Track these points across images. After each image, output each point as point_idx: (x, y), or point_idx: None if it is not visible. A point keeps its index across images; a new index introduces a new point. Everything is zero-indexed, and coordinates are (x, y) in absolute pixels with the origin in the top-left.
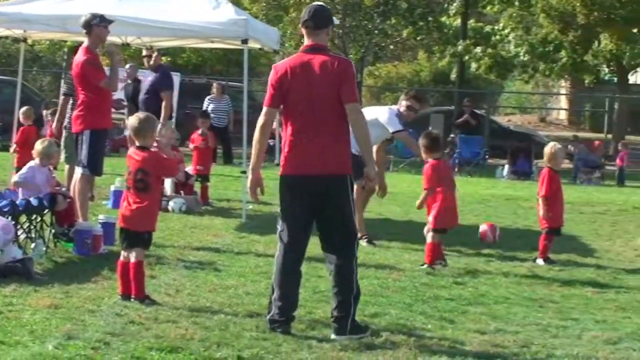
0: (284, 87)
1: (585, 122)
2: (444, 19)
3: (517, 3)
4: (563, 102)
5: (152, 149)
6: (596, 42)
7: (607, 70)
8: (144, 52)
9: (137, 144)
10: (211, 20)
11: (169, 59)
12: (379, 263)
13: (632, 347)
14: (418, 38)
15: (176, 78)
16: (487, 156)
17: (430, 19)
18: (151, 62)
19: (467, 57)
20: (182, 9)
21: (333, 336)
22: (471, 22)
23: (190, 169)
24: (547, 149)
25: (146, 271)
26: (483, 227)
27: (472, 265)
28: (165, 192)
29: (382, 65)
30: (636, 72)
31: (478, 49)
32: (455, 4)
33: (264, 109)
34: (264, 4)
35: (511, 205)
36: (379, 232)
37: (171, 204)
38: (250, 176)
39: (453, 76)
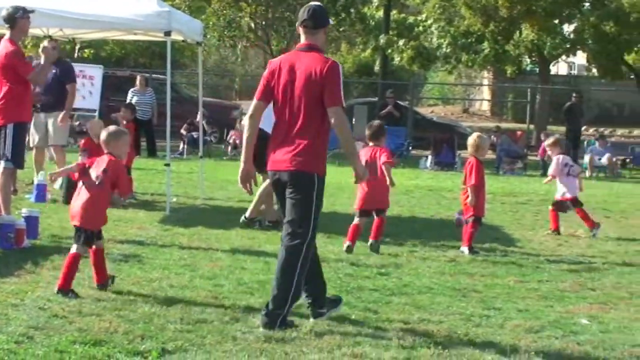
0: (272, 83)
1: (508, 112)
2: (366, 10)
3: None
4: (485, 93)
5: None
6: (517, 33)
7: (528, 61)
8: (46, 43)
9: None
10: (134, 12)
11: (92, 51)
12: None
13: (554, 335)
14: (340, 30)
15: (99, 71)
16: (410, 147)
17: (352, 10)
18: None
19: (390, 50)
20: (103, 2)
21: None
22: (394, 14)
23: None
24: (472, 139)
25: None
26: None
27: (395, 256)
28: None
29: None
30: (557, 62)
31: (401, 42)
32: None
33: (254, 101)
34: None
35: (435, 196)
36: None
37: None
38: (241, 167)
39: (376, 68)
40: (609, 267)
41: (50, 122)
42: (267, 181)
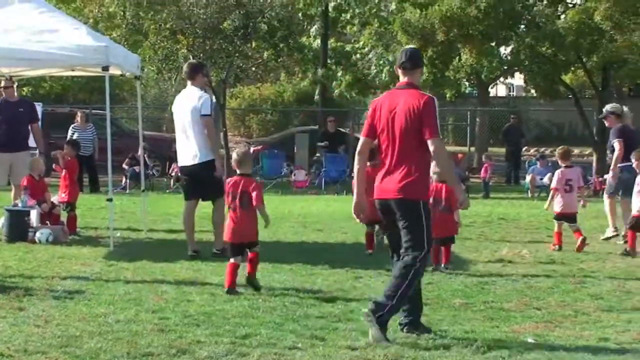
0: (375, 120)
1: (449, 136)
2: (304, 39)
3: (376, 21)
4: None
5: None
6: (457, 57)
7: (467, 84)
8: (3, 83)
9: (239, 172)
10: (71, 48)
11: (30, 89)
12: None
13: (501, 355)
14: (279, 60)
15: (38, 108)
16: (352, 174)
17: (290, 41)
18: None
19: (329, 81)
20: (41, 37)
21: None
22: (331, 42)
23: (56, 198)
24: None
25: (14, 303)
26: None
27: (341, 282)
28: (31, 223)
29: (245, 88)
30: (496, 84)
31: (339, 73)
32: (315, 26)
33: (361, 138)
34: (124, 28)
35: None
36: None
37: (38, 234)
38: (354, 200)
39: (316, 97)
40: (553, 286)
41: (14, 160)
42: (219, 209)
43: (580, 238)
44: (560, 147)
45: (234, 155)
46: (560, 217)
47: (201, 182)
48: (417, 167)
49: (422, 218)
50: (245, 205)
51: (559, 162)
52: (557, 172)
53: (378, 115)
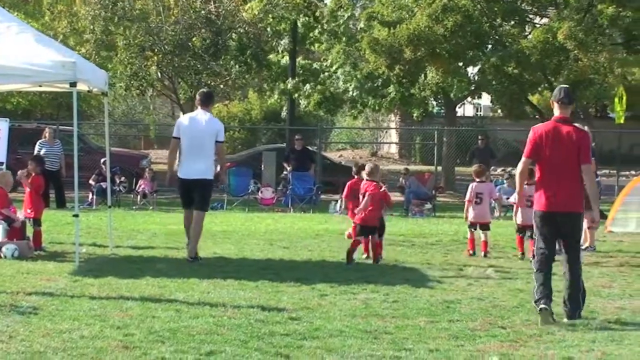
0: (540, 145)
1: (416, 155)
2: (272, 56)
3: (344, 39)
4: (393, 136)
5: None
6: (423, 76)
7: (435, 103)
8: None
9: (367, 179)
10: (39, 63)
11: None
12: (215, 301)
13: None
14: (247, 77)
15: (5, 123)
16: (320, 192)
17: (260, 58)
18: None
19: (296, 95)
20: (8, 52)
21: (565, 320)
22: (299, 60)
23: (21, 213)
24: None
25: None
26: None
27: (306, 300)
28: None
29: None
30: (464, 104)
31: (307, 86)
32: (283, 42)
33: (523, 159)
34: (93, 44)
35: (344, 240)
36: (215, 270)
37: (3, 250)
38: (517, 199)
39: (284, 114)
40: (519, 305)
41: None
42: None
43: (485, 246)
44: (476, 165)
45: (367, 168)
46: (474, 225)
47: (198, 193)
48: (578, 186)
49: (581, 226)
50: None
51: (474, 178)
52: (470, 186)
53: (544, 141)
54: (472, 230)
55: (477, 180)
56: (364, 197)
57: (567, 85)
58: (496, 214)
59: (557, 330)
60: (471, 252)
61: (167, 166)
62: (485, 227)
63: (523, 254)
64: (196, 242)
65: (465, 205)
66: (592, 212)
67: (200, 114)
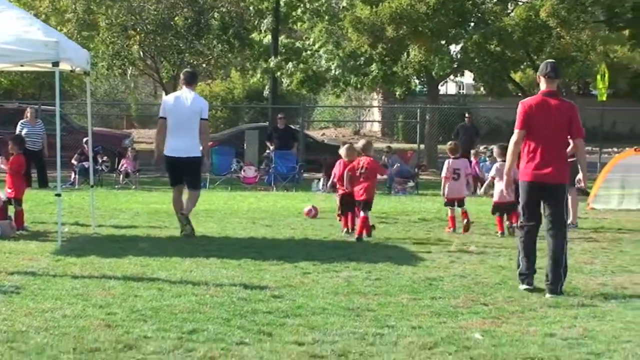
0: (530, 117)
1: (399, 133)
2: (254, 35)
3: (326, 18)
4: (376, 114)
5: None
6: (405, 54)
7: (417, 82)
8: None
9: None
10: (21, 42)
11: None
12: (197, 280)
13: (448, 351)
14: (229, 56)
15: None
16: (302, 170)
17: (243, 38)
18: None
19: (279, 73)
20: None
21: (547, 295)
22: (282, 39)
23: (3, 193)
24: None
25: None
26: (308, 208)
27: (289, 278)
28: None
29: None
30: (446, 82)
31: (290, 65)
32: (266, 21)
33: (516, 130)
34: (75, 23)
35: (327, 218)
36: (198, 249)
37: None
38: (505, 173)
39: (266, 93)
40: (501, 281)
41: None
42: (193, 199)
43: (466, 220)
44: (450, 142)
45: (360, 143)
46: (451, 202)
47: (188, 173)
48: (564, 159)
49: (565, 197)
50: (369, 177)
51: (449, 155)
52: (446, 163)
53: (534, 114)
54: (452, 207)
55: (453, 157)
56: (361, 172)
57: (553, 60)
58: (471, 189)
59: (539, 306)
60: (452, 229)
61: (154, 146)
62: (461, 203)
63: (503, 232)
64: (193, 206)
65: (443, 182)
66: (580, 179)
67: (185, 93)
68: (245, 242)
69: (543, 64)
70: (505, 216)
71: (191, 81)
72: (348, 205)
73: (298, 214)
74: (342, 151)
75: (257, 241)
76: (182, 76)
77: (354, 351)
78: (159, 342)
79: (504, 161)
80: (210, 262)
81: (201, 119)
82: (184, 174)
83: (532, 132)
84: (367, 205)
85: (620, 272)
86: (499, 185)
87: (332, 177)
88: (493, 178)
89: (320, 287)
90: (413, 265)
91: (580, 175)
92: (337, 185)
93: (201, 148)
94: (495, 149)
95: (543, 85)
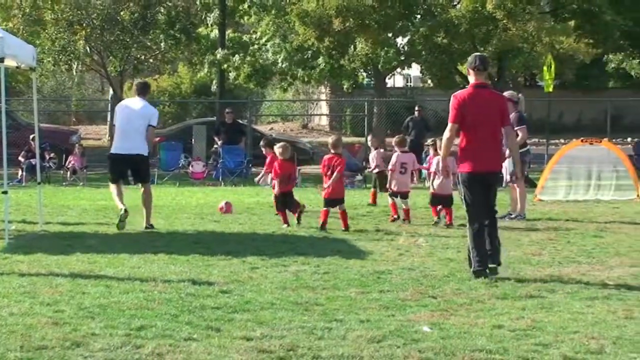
0: (463, 110)
1: (347, 127)
2: (201, 29)
3: (273, 12)
4: (324, 108)
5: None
6: (352, 47)
7: (365, 75)
8: None
9: (333, 151)
10: None
11: None
12: (145, 276)
13: (396, 344)
14: (176, 50)
15: None
16: (250, 165)
17: (190, 31)
18: None
19: (225, 66)
20: None
21: (490, 265)
22: (229, 33)
23: None
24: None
25: None
26: (220, 204)
27: (237, 273)
28: None
29: (143, 79)
30: (394, 75)
31: (237, 57)
32: (212, 15)
33: (450, 124)
34: (21, 19)
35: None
36: (146, 245)
37: None
38: (441, 165)
39: (214, 87)
40: (449, 274)
41: None
42: (148, 192)
43: (407, 219)
44: (397, 136)
45: (330, 140)
46: (395, 194)
47: (137, 169)
48: (499, 148)
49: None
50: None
51: (396, 148)
52: (394, 156)
53: (467, 107)
54: (394, 198)
55: (400, 150)
56: (331, 170)
57: (481, 53)
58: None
59: (488, 298)
60: (395, 216)
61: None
62: (405, 196)
63: (439, 218)
64: (150, 210)
65: (389, 175)
66: (515, 171)
67: (136, 100)
68: (193, 238)
69: (471, 57)
70: (441, 207)
71: (143, 91)
72: (283, 203)
73: (246, 209)
74: (277, 150)
75: (205, 237)
76: (134, 87)
77: (303, 345)
78: (106, 339)
79: (403, 152)
80: (158, 258)
81: (149, 125)
82: (132, 172)
83: (467, 124)
84: (333, 202)
85: (567, 263)
86: (439, 178)
87: (268, 173)
88: (435, 173)
89: (269, 282)
90: (361, 259)
91: (511, 165)
92: (274, 184)
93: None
94: (437, 141)
95: (472, 78)
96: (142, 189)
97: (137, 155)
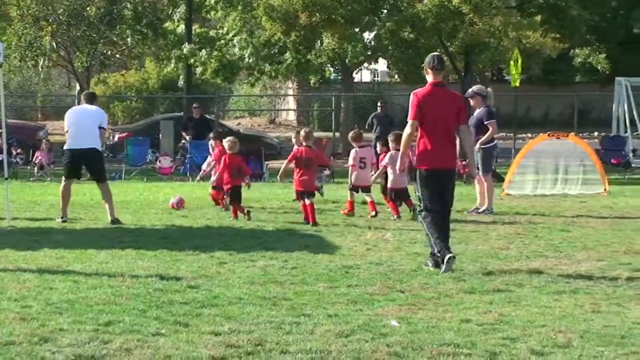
0: (423, 108)
1: (314, 121)
2: (168, 25)
3: (240, 7)
4: (291, 103)
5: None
6: (319, 42)
7: (332, 70)
8: None
9: (305, 144)
10: None
11: None
12: (113, 272)
13: (364, 338)
14: (143, 46)
15: None
16: None
17: (156, 27)
18: None
19: (192, 61)
20: None
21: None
22: (195, 28)
23: None
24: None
25: None
26: (171, 200)
27: (205, 268)
28: None
29: (110, 75)
30: (361, 70)
31: (203, 52)
32: (179, 10)
33: (410, 121)
34: None
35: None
36: (113, 240)
37: None
38: (399, 160)
39: (181, 83)
40: (417, 268)
41: None
42: (106, 188)
43: (374, 211)
44: (352, 130)
45: (302, 132)
46: (355, 188)
47: (92, 164)
48: (455, 145)
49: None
50: (309, 167)
51: (353, 144)
52: (353, 152)
53: (427, 105)
54: (354, 192)
55: (358, 145)
56: (302, 162)
57: (437, 53)
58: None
59: (455, 293)
60: (350, 212)
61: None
62: (367, 189)
63: (399, 216)
64: (111, 204)
65: (350, 170)
66: (472, 170)
67: (86, 105)
68: (161, 233)
69: (429, 57)
70: (399, 202)
71: (91, 101)
72: (235, 196)
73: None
74: (226, 144)
75: (173, 232)
76: (82, 97)
77: (271, 340)
78: (74, 335)
79: (399, 150)
80: (126, 253)
81: (100, 127)
82: (87, 167)
83: (426, 122)
84: (309, 194)
85: (535, 257)
86: (392, 173)
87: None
88: (386, 166)
89: (237, 277)
90: (329, 254)
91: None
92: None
93: (116, 138)
94: (390, 136)
95: (430, 77)
96: (100, 187)
97: (92, 148)
